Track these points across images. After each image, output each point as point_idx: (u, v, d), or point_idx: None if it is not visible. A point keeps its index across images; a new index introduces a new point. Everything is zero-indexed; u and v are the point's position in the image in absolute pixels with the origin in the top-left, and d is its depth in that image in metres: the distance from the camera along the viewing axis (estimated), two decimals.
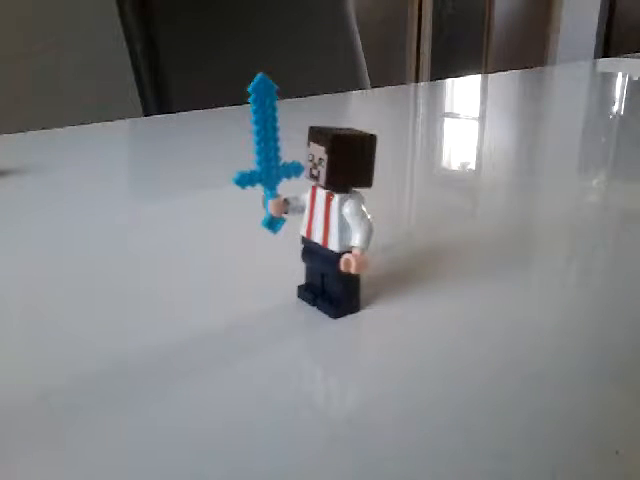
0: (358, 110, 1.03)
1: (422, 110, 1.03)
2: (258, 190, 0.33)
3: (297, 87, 0.97)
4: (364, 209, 0.31)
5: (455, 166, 0.68)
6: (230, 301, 0.34)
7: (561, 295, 0.36)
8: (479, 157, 0.72)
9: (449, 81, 1.26)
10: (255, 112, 0.32)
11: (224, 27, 1.08)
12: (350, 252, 0.30)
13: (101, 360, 0.29)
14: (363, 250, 0.30)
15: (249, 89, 0.31)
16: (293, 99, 0.91)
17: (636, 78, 1.27)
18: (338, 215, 0.31)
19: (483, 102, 1.10)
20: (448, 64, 2.96)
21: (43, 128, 0.78)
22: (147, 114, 1.01)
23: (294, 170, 0.34)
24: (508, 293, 0.36)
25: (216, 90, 1.05)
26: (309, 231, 0.33)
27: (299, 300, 0.34)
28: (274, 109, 0.32)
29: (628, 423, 0.25)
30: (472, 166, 0.68)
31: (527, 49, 3.29)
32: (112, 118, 0.84)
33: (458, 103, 1.08)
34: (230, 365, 0.28)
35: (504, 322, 0.32)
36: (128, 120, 0.89)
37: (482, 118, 0.94)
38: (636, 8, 3.57)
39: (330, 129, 0.31)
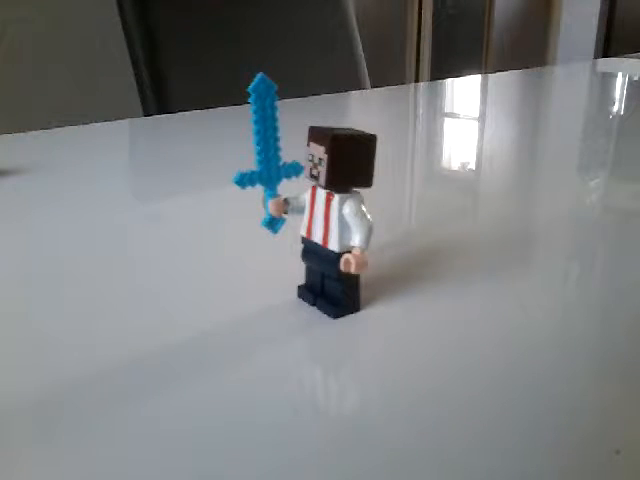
0: (358, 110, 1.03)
1: (422, 110, 1.03)
2: (258, 190, 0.33)
3: (297, 87, 0.97)
4: (364, 209, 0.31)
5: (455, 166, 0.68)
6: (230, 301, 0.34)
7: (561, 295, 0.36)
8: (479, 157, 0.72)
9: (449, 81, 1.26)
10: (255, 112, 0.32)
11: (224, 27, 1.08)
12: (350, 252, 0.30)
13: (100, 360, 0.29)
14: (363, 250, 0.30)
15: (249, 89, 0.31)
16: (293, 99, 0.91)
17: (636, 78, 1.27)
18: (338, 215, 0.31)
19: (483, 102, 1.10)
20: (448, 64, 2.96)
21: (43, 128, 0.78)
22: (147, 114, 1.01)
23: (294, 170, 0.34)
24: (508, 293, 0.36)
25: (216, 90, 1.05)
26: (309, 231, 0.33)
27: (299, 300, 0.34)
28: (274, 109, 0.32)
29: (628, 423, 0.25)
30: (472, 166, 0.68)
31: (527, 49, 3.29)
32: (112, 118, 0.84)
33: (458, 103, 1.08)
34: (230, 365, 0.28)
35: (504, 322, 0.32)
36: (128, 120, 0.89)
37: (482, 118, 0.94)
38: (636, 8, 3.57)
39: (330, 129, 0.31)
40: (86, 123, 0.80)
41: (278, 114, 0.32)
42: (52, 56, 1.57)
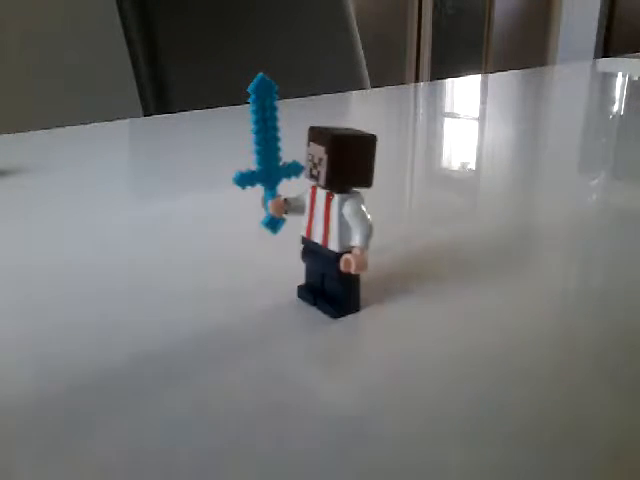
0: (358, 110, 1.03)
1: (422, 110, 1.03)
2: (258, 190, 0.33)
3: (297, 87, 0.97)
4: (364, 209, 0.31)
5: (455, 166, 0.68)
6: (230, 301, 0.34)
7: (561, 295, 0.36)
8: (479, 157, 0.72)
9: (449, 81, 1.26)
10: (255, 112, 0.32)
11: (224, 27, 1.08)
12: (350, 252, 0.30)
13: (100, 360, 0.29)
14: (363, 250, 0.30)
15: (249, 89, 0.31)
16: (293, 99, 0.91)
17: (636, 78, 1.27)
18: (338, 215, 0.31)
19: (483, 102, 1.10)
20: (448, 64, 2.97)
21: (43, 128, 0.78)
22: (147, 114, 1.01)
23: (294, 170, 0.34)
24: (508, 293, 0.36)
25: (216, 90, 1.05)
26: (309, 231, 0.33)
27: (299, 300, 0.34)
28: (274, 109, 0.32)
29: (628, 423, 0.25)
30: (472, 166, 0.68)
31: (527, 49, 3.29)
32: (112, 118, 0.84)
33: (458, 103, 1.08)
34: (230, 365, 0.28)
35: (504, 322, 0.32)
36: (128, 120, 0.89)
37: (482, 118, 0.94)
38: (636, 8, 3.57)
39: (330, 129, 0.31)
40: (86, 123, 0.80)
41: (278, 114, 0.32)
42: (52, 56, 1.57)
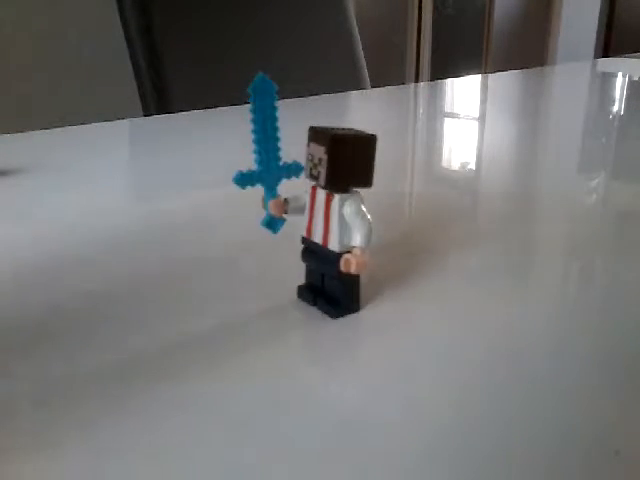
0: (358, 110, 1.03)
1: (422, 110, 1.03)
2: (258, 190, 0.33)
3: (297, 87, 0.97)
4: (364, 209, 0.31)
5: (455, 166, 0.68)
6: (230, 301, 0.34)
7: (562, 294, 0.36)
8: (479, 157, 0.72)
9: (449, 81, 1.26)
10: (255, 112, 0.32)
11: (224, 27, 1.08)
12: (350, 252, 0.30)
13: (100, 361, 0.29)
14: (363, 250, 0.30)
15: (249, 89, 0.31)
16: (293, 99, 0.91)
17: (636, 78, 1.27)
18: (338, 215, 0.31)
19: (483, 102, 1.10)
20: (448, 64, 2.97)
21: (43, 128, 0.78)
22: (147, 114, 1.01)
23: (294, 170, 0.34)
24: (508, 293, 0.36)
25: (216, 90, 1.05)
26: (309, 231, 0.33)
27: (299, 300, 0.34)
28: (274, 109, 0.32)
29: (628, 423, 0.25)
30: (472, 166, 0.68)
31: (527, 49, 3.29)
32: (112, 118, 0.84)
33: (458, 103, 1.08)
34: (230, 365, 0.28)
35: (504, 322, 0.32)
36: (128, 120, 0.89)
37: (482, 118, 0.94)
38: (636, 8, 3.57)
39: (330, 129, 0.31)
40: (86, 123, 0.80)
41: (278, 114, 0.32)
42: (52, 56, 1.57)
